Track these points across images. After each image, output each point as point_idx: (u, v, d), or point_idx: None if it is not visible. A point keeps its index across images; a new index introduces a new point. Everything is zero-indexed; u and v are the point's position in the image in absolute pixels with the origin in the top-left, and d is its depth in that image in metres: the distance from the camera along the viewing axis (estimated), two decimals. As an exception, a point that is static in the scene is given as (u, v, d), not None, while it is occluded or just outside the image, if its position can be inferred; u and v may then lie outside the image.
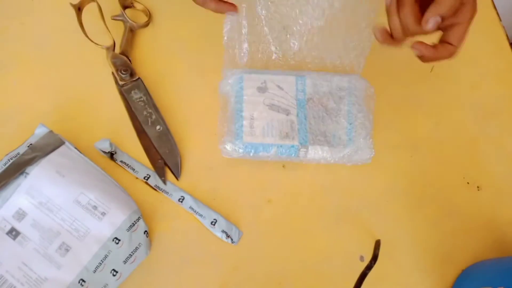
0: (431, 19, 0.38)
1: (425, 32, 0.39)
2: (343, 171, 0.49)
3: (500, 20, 0.61)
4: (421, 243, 0.48)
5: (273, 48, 0.49)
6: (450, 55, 0.41)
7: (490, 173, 0.52)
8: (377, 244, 0.45)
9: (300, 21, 0.47)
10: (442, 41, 0.40)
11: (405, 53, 0.56)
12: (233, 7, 0.44)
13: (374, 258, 0.43)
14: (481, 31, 0.59)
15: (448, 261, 0.47)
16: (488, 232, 0.49)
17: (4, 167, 0.41)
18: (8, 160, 0.42)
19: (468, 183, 0.51)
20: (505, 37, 0.59)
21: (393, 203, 0.49)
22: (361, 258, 0.46)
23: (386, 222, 0.48)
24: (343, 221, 0.48)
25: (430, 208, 0.50)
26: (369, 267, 0.42)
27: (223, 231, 0.44)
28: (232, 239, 0.44)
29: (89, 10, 0.49)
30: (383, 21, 0.40)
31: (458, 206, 0.50)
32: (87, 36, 0.49)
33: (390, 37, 0.40)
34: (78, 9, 0.49)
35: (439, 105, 0.54)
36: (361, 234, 0.47)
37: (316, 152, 0.46)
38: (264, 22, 0.48)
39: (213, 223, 0.44)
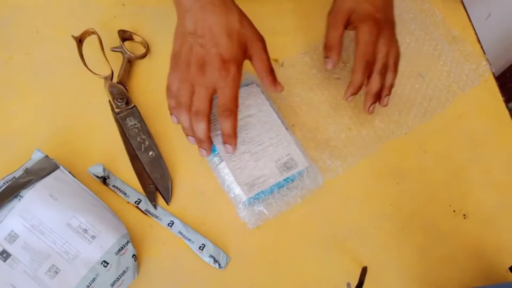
0: (371, 108, 0.51)
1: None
2: (331, 198, 0.50)
3: (484, 53, 0.63)
4: (408, 270, 0.48)
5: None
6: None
7: (477, 201, 0.53)
8: (363, 271, 0.46)
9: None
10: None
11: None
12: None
13: (360, 284, 0.44)
14: (466, 63, 0.61)
15: (435, 289, 0.48)
16: (475, 260, 0.50)
17: (0, 190, 0.43)
18: (4, 183, 0.43)
19: (454, 211, 0.52)
20: (488, 69, 0.62)
21: (380, 230, 0.50)
22: (348, 285, 0.46)
23: (373, 250, 0.49)
24: (331, 248, 0.48)
25: (416, 236, 0.50)
26: (354, 294, 0.42)
27: (210, 256, 0.44)
28: (219, 264, 0.44)
29: (90, 42, 0.52)
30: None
31: (444, 234, 0.51)
32: (86, 66, 0.51)
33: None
34: (79, 41, 0.52)
35: (427, 133, 0.56)
36: (348, 261, 0.48)
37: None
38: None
39: (201, 248, 0.45)
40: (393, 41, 0.50)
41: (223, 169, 0.47)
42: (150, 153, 0.48)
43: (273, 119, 0.50)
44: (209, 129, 0.44)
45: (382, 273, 0.48)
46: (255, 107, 0.50)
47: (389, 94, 0.51)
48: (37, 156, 0.45)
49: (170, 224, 0.45)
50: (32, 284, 0.39)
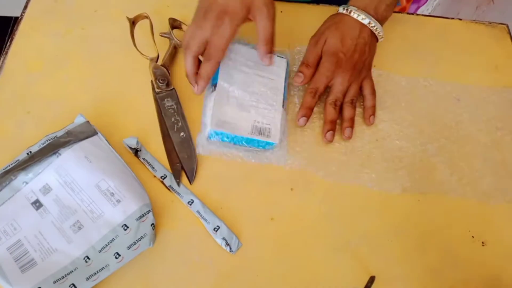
0: (327, 135, 0.53)
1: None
2: (351, 204, 0.51)
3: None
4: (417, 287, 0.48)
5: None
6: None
7: (498, 231, 0.52)
8: (371, 279, 0.46)
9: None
10: None
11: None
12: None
13: (365, 290, 0.44)
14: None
15: (442, 311, 0.47)
16: (488, 289, 0.49)
17: (42, 146, 0.46)
18: (47, 140, 0.47)
19: (473, 237, 0.51)
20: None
21: (394, 244, 0.50)
22: (353, 291, 0.47)
23: (384, 261, 0.49)
24: (342, 252, 0.49)
25: (431, 256, 0.50)
26: (358, 297, 0.42)
27: (223, 238, 0.46)
28: (231, 248, 0.46)
29: (142, 25, 0.56)
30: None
31: (460, 258, 0.50)
32: (135, 47, 0.55)
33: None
34: (132, 23, 0.56)
35: (455, 156, 0.56)
36: (357, 268, 0.48)
37: None
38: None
39: (215, 229, 0.46)
40: (353, 81, 0.55)
41: (210, 99, 0.51)
42: (182, 134, 0.51)
43: (278, 91, 0.54)
44: (196, 66, 0.49)
45: (389, 287, 0.48)
46: (271, 73, 0.54)
47: (349, 126, 0.54)
48: (79, 120, 0.49)
49: (190, 203, 0.47)
50: (57, 235, 0.42)
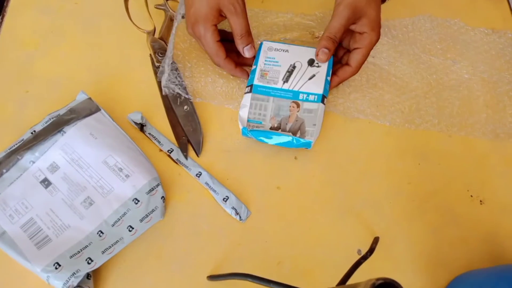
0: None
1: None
2: (353, 169, 0.52)
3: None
4: (418, 246, 0.50)
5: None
6: (350, 75, 0.51)
7: (495, 189, 0.54)
8: (375, 240, 0.48)
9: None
10: (344, 64, 0.51)
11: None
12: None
13: (371, 250, 0.45)
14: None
15: (443, 266, 0.49)
16: (486, 244, 0.51)
17: (45, 125, 0.46)
18: (50, 119, 0.46)
19: (471, 196, 0.53)
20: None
21: (396, 205, 0.51)
22: (359, 252, 0.49)
23: (387, 223, 0.51)
24: (346, 216, 0.50)
25: (431, 216, 0.52)
26: (364, 257, 0.44)
27: (233, 208, 0.47)
28: (240, 217, 0.47)
29: (136, -2, 0.54)
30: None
31: (459, 216, 0.52)
32: (131, 20, 0.54)
33: None
34: (127, -5, 0.54)
35: (454, 120, 0.57)
36: (361, 230, 0.50)
37: None
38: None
39: (225, 199, 0.47)
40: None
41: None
42: (185, 107, 0.51)
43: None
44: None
45: (392, 246, 0.49)
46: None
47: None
48: (81, 97, 0.48)
49: (198, 175, 0.48)
50: (68, 212, 0.43)
